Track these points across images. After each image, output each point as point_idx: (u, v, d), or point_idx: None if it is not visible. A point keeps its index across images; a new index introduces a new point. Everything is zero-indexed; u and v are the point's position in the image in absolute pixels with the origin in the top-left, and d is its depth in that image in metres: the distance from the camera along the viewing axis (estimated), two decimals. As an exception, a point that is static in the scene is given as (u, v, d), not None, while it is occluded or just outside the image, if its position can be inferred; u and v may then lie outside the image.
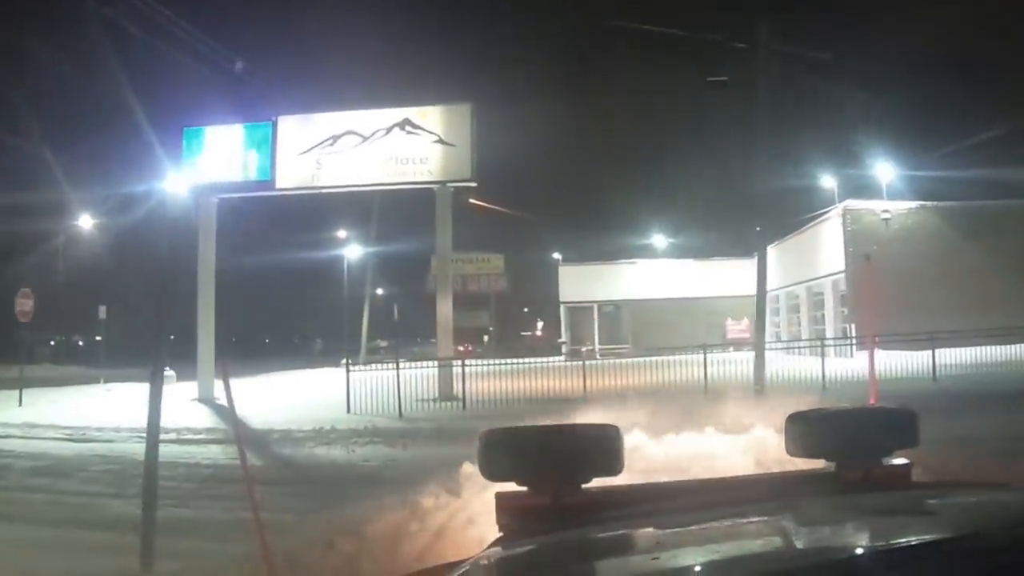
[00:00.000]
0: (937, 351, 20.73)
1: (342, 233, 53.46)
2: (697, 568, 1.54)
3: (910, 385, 18.62)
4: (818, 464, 2.25)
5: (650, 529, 1.89)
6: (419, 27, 60.54)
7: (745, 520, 1.86)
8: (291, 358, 53.13)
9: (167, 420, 17.66)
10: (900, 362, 20.19)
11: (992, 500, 1.90)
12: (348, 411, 19.19)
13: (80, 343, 70.80)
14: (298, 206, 38.13)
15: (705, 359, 20.74)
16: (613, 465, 2.10)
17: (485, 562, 1.82)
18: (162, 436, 16.24)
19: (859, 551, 1.53)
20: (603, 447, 2.11)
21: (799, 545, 1.69)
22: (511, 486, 2.12)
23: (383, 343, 64.03)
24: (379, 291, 60.08)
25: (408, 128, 23.53)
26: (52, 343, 67.98)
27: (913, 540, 1.51)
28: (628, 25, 22.85)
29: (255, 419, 17.87)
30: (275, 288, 77.17)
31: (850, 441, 2.11)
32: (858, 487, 2.04)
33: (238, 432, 3.85)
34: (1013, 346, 21.62)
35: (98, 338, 37.59)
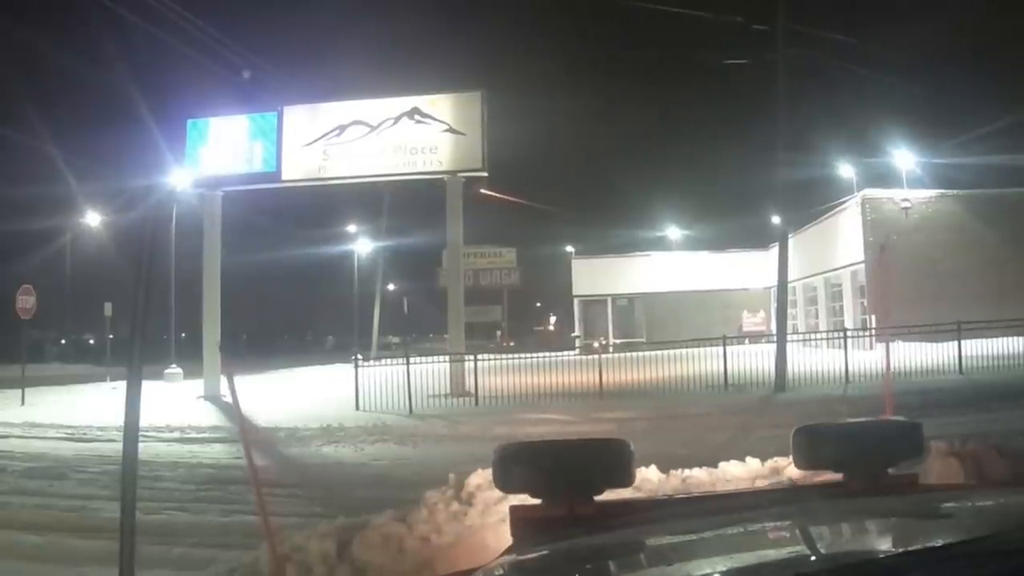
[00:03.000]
0: (961, 342, 20.14)
1: (352, 228, 53.16)
2: (713, 575, 1.55)
3: (937, 378, 18.11)
4: (826, 476, 2.30)
5: (664, 536, 1.93)
6: (428, 12, 60.06)
7: (759, 527, 1.90)
8: (302, 355, 52.88)
9: (171, 418, 17.61)
10: (924, 354, 19.62)
11: (1006, 502, 1.93)
12: (357, 408, 18.77)
13: (91, 341, 70.71)
14: (307, 200, 37.75)
15: (725, 352, 20.14)
16: (624, 477, 2.16)
17: (499, 571, 1.80)
18: (165, 435, 16.17)
19: (874, 555, 1.54)
20: (614, 460, 2.17)
21: (815, 550, 1.69)
22: (525, 498, 2.14)
23: (395, 339, 63.88)
24: (390, 287, 59.87)
25: (417, 117, 23.03)
26: (63, 342, 67.91)
27: (928, 543, 1.53)
28: (645, 5, 22.20)
29: (262, 417, 17.47)
30: (286, 285, 77.17)
31: (856, 453, 2.13)
32: (867, 496, 2.05)
33: (244, 431, 3.34)
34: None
35: (110, 336, 37.21)
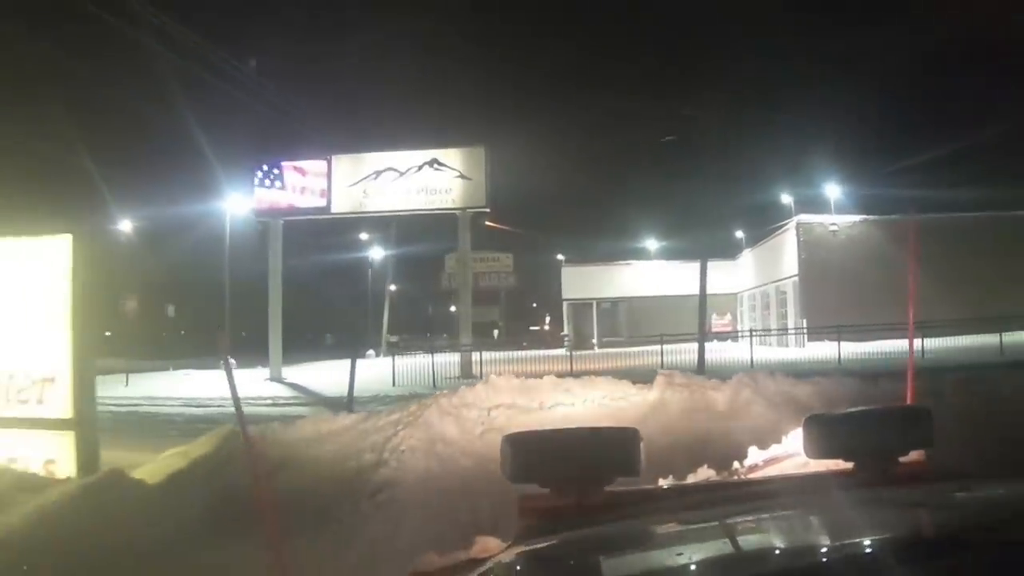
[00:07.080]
0: (870, 343, 25.30)
1: (363, 235, 57.22)
2: (723, 564, 1.57)
3: (817, 366, 22.00)
4: (836, 464, 2.22)
5: (674, 526, 1.94)
6: (443, 85, 68.43)
7: (769, 516, 1.91)
8: (306, 352, 55.08)
9: (258, 392, 23.30)
10: (832, 350, 25.76)
11: (1016, 491, 1.89)
12: (393, 384, 24.74)
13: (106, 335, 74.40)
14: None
15: (662, 349, 26.60)
16: (634, 466, 2.09)
17: (508, 560, 1.83)
18: (259, 403, 21.65)
19: (884, 545, 1.51)
20: (623, 448, 2.12)
21: (824, 540, 1.72)
22: (533, 488, 2.10)
23: (395, 338, 67.99)
24: (392, 287, 63.29)
25: (436, 165, 29.55)
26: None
27: (939, 533, 1.58)
28: (603, 99, 28.61)
29: (325, 391, 23.18)
30: (289, 287, 79.46)
31: (867, 440, 2.10)
32: (877, 484, 2.02)
33: (237, 400, 3.45)
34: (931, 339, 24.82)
35: (163, 334, 42.64)
